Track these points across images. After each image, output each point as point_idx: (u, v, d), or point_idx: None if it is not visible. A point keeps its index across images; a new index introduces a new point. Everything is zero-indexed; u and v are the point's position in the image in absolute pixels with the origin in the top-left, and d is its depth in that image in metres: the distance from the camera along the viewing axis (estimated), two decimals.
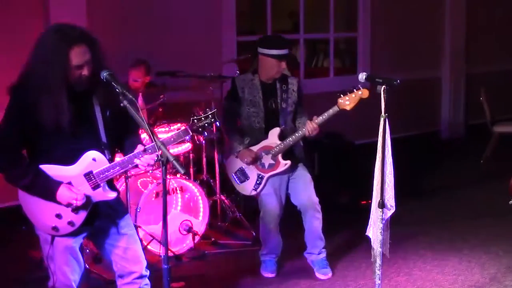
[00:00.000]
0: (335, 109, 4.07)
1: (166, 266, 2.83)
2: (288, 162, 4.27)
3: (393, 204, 3.48)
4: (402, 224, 5.10)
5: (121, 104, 2.82)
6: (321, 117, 4.11)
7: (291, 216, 5.00)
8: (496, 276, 4.32)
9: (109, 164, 2.96)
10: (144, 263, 3.17)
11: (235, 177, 4.39)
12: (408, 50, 8.26)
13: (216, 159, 5.44)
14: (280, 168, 4.28)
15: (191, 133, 3.03)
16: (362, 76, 3.61)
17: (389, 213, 3.48)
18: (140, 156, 2.94)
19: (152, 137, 2.79)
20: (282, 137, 4.27)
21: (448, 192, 6.36)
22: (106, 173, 2.95)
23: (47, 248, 2.99)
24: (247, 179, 4.34)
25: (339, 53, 9.11)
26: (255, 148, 4.29)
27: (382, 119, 3.37)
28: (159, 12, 6.27)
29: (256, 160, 4.26)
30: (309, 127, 4.12)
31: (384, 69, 7.75)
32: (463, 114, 8.98)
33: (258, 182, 4.29)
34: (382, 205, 3.40)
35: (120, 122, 3.06)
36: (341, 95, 4.03)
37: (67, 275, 3.00)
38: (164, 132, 4.85)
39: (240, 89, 4.30)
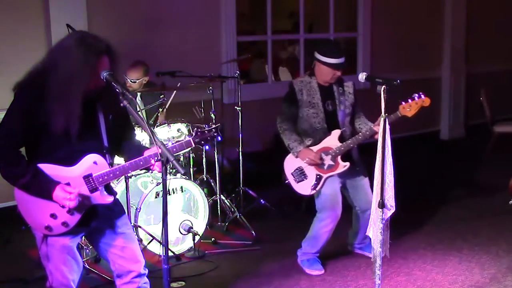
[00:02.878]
0: (396, 114, 4.15)
1: (166, 266, 2.83)
2: (347, 164, 4.31)
3: (393, 204, 3.49)
4: (402, 224, 5.10)
5: (121, 104, 2.82)
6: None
7: (289, 217, 5.04)
8: (496, 276, 4.32)
9: (109, 169, 2.96)
10: (143, 261, 3.16)
11: (293, 176, 4.40)
12: (408, 50, 8.26)
13: (216, 159, 5.44)
14: (339, 170, 4.32)
15: (193, 145, 3.07)
16: (362, 76, 3.62)
17: (389, 213, 3.49)
18: (149, 163, 2.96)
19: (152, 137, 2.79)
20: (341, 138, 4.33)
21: (448, 192, 6.36)
22: (106, 177, 2.94)
23: (43, 247, 2.98)
24: (305, 179, 4.35)
25: None
26: (314, 149, 4.33)
27: (382, 119, 3.37)
28: (159, 12, 6.27)
29: (318, 158, 4.30)
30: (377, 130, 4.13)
31: (384, 69, 7.75)
32: (463, 114, 8.99)
33: (316, 182, 4.32)
34: (382, 205, 3.41)
35: (120, 126, 3.08)
36: (403, 102, 4.13)
37: (65, 275, 2.99)
38: (164, 132, 4.86)
39: (299, 92, 4.37)
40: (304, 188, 4.37)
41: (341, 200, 4.40)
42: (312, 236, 4.49)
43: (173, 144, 3.09)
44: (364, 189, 4.45)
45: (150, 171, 4.77)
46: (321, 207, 4.41)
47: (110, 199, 3.01)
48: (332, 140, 4.31)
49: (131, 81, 5.18)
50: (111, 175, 2.96)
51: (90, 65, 2.79)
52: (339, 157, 4.30)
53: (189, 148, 5.02)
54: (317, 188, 4.32)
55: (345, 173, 4.37)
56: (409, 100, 4.16)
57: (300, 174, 4.37)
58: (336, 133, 4.33)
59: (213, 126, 3.08)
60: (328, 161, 4.31)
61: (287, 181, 4.42)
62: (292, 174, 4.39)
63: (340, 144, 4.30)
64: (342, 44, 9.20)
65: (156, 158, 2.93)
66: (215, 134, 3.08)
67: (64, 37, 2.93)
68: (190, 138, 3.06)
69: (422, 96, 4.21)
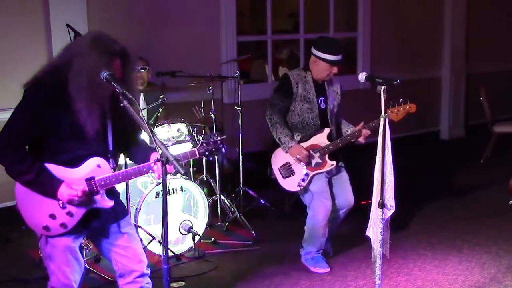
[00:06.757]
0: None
1: (166, 266, 2.83)
2: (334, 162, 4.35)
3: (393, 204, 3.49)
4: (402, 224, 5.12)
5: (121, 104, 2.82)
6: (372, 124, 4.24)
7: (290, 216, 5.03)
8: (496, 276, 4.32)
9: (112, 173, 2.96)
10: (145, 261, 3.16)
11: (280, 171, 4.40)
12: (408, 50, 8.27)
13: (216, 159, 5.44)
14: (327, 168, 4.35)
15: (198, 156, 3.10)
16: (362, 76, 3.62)
17: (389, 213, 3.49)
18: (151, 169, 2.98)
19: (152, 137, 2.79)
20: (330, 137, 4.35)
21: (448, 192, 6.36)
22: (108, 181, 2.95)
23: (45, 247, 2.98)
24: (292, 175, 4.36)
25: None
26: (304, 145, 4.34)
27: (382, 119, 3.37)
28: (159, 12, 6.27)
29: (308, 157, 4.30)
30: (365, 133, 4.26)
31: (384, 69, 7.75)
32: (463, 114, 9.00)
33: (303, 179, 4.31)
34: (382, 205, 3.40)
35: (128, 129, 3.09)
36: (390, 107, 4.14)
37: (67, 275, 3.00)
38: (164, 132, 4.86)
39: (295, 85, 4.34)
40: (290, 184, 4.38)
41: (329, 192, 4.40)
42: (309, 235, 4.48)
43: (177, 154, 3.08)
44: (347, 186, 4.48)
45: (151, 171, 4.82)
46: (310, 203, 4.41)
47: (110, 203, 3.01)
48: (322, 138, 4.34)
49: (139, 69, 5.17)
50: (114, 179, 2.96)
51: (103, 65, 2.77)
52: (326, 155, 4.33)
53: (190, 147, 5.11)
54: (303, 185, 4.33)
55: (330, 171, 4.41)
56: (396, 105, 4.19)
57: (288, 170, 4.37)
58: (326, 131, 4.36)
59: (218, 138, 3.11)
60: (316, 158, 4.33)
61: (273, 176, 4.44)
62: (279, 169, 4.40)
63: (329, 142, 4.32)
64: (342, 44, 9.23)
65: (157, 159, 2.93)
66: (220, 146, 3.11)
67: (82, 35, 2.92)
68: (195, 149, 3.10)
69: (408, 102, 4.23)
